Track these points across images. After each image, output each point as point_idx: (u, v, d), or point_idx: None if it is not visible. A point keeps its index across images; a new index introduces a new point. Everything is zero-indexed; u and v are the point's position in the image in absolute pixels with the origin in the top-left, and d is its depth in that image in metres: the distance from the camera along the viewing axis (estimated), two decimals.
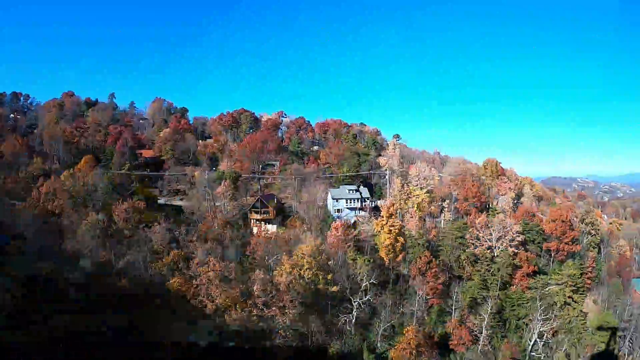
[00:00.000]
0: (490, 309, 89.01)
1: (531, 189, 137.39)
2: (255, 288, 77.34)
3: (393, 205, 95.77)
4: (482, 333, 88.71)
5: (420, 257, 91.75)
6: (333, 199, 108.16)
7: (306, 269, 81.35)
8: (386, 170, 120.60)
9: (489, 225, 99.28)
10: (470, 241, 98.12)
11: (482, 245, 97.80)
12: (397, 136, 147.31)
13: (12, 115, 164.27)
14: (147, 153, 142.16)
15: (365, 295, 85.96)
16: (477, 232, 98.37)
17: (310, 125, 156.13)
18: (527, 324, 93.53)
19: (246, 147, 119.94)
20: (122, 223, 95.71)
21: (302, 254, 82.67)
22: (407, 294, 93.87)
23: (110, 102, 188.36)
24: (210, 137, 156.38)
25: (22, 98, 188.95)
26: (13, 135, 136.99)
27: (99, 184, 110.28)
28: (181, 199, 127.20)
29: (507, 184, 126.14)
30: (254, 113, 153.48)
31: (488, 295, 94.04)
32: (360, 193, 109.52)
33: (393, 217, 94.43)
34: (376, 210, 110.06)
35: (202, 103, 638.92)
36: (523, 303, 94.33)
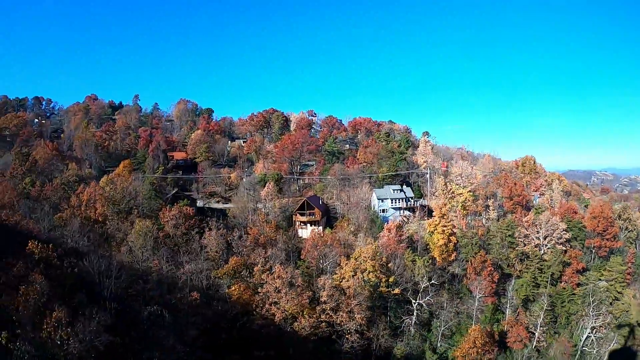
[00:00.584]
0: (544, 307, 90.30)
1: (559, 184, 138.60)
2: (323, 294, 77.34)
3: (445, 205, 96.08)
4: (536, 330, 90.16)
5: (474, 257, 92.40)
6: (378, 199, 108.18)
7: (369, 272, 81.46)
8: (424, 169, 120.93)
9: (536, 223, 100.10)
10: (519, 239, 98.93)
11: (530, 243, 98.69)
12: (426, 133, 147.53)
13: (36, 120, 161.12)
14: (178, 155, 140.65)
15: (425, 296, 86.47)
16: (525, 231, 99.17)
17: (342, 124, 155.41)
18: (577, 321, 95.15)
19: (285, 147, 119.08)
20: (171, 230, 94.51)
21: (364, 257, 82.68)
22: (460, 293, 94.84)
23: (134, 105, 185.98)
24: (238, 138, 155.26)
25: (44, 102, 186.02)
26: (42, 141, 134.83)
27: (139, 189, 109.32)
28: (217, 202, 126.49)
29: (539, 180, 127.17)
30: (283, 113, 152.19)
31: (539, 293, 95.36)
32: (404, 192, 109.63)
33: (445, 217, 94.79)
34: (420, 209, 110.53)
35: (222, 103, 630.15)
36: (573, 299, 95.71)
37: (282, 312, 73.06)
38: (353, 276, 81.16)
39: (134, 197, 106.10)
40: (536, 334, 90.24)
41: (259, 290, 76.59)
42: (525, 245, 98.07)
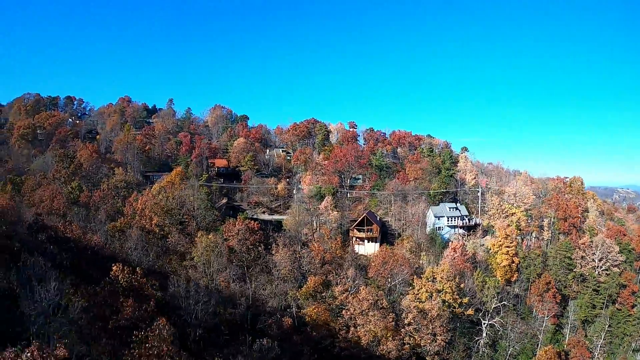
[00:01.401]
0: (605, 328, 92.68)
1: (594, 204, 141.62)
2: (408, 315, 77.72)
3: (509, 226, 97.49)
4: (596, 350, 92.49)
5: (538, 278, 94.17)
6: (435, 216, 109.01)
7: (446, 293, 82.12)
8: (473, 186, 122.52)
9: (591, 245, 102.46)
10: (576, 261, 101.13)
11: (587, 265, 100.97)
12: (465, 149, 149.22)
13: (70, 119, 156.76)
14: (220, 162, 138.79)
15: (495, 316, 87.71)
16: (582, 253, 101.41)
17: (386, 137, 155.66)
18: (632, 342, 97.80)
19: (337, 160, 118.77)
20: (237, 245, 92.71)
21: (441, 277, 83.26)
22: (522, 313, 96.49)
23: (168, 108, 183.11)
24: (276, 147, 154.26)
25: (75, 102, 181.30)
26: (81, 142, 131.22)
27: (192, 198, 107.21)
28: (263, 212, 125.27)
29: (585, 201, 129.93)
30: (325, 124, 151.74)
31: (596, 314, 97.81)
32: (459, 211, 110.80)
33: (509, 237, 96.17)
34: (475, 228, 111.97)
35: (255, 110, 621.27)
36: (629, 320, 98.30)
37: (368, 335, 73.03)
38: (430, 297, 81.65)
39: (191, 208, 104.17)
40: (595, 354, 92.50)
41: (342, 312, 76.50)
42: (582, 267, 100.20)
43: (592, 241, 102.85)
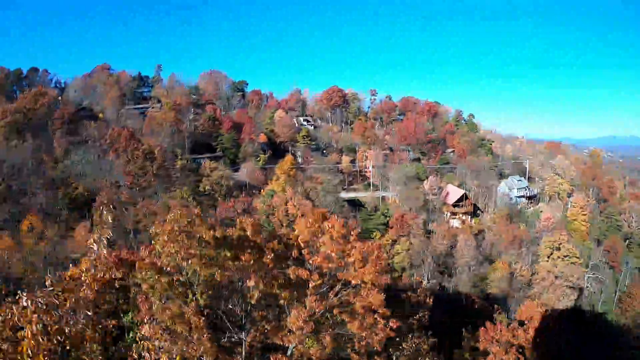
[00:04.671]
0: None
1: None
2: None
3: (586, 198, 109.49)
4: None
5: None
6: (509, 189, 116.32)
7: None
8: (518, 159, 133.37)
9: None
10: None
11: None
12: (472, 116, 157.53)
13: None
14: (261, 138, 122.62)
15: None
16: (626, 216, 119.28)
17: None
18: None
19: (408, 135, 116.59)
20: None
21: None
22: None
23: (156, 76, 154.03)
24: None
25: (39, 74, 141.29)
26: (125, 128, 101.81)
27: None
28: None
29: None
30: (356, 92, 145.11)
31: None
32: (523, 182, 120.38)
33: (583, 207, 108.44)
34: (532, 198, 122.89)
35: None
36: None
37: None
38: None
39: None
40: None
41: None
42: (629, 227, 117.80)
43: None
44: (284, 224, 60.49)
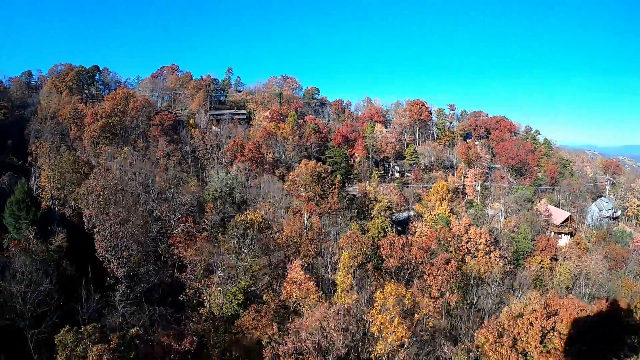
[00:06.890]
0: None
1: None
2: None
3: None
4: None
5: None
6: (599, 210, 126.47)
7: None
8: (596, 181, 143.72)
9: None
10: None
11: None
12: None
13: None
14: (359, 152, 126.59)
15: None
16: None
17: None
18: None
19: (510, 157, 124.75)
20: None
21: None
22: None
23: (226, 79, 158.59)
24: None
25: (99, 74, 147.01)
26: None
27: None
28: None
29: None
30: (442, 109, 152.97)
31: None
32: (609, 204, 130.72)
33: None
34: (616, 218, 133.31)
35: None
36: None
37: None
38: None
39: None
40: None
41: None
42: None
43: None
44: None
